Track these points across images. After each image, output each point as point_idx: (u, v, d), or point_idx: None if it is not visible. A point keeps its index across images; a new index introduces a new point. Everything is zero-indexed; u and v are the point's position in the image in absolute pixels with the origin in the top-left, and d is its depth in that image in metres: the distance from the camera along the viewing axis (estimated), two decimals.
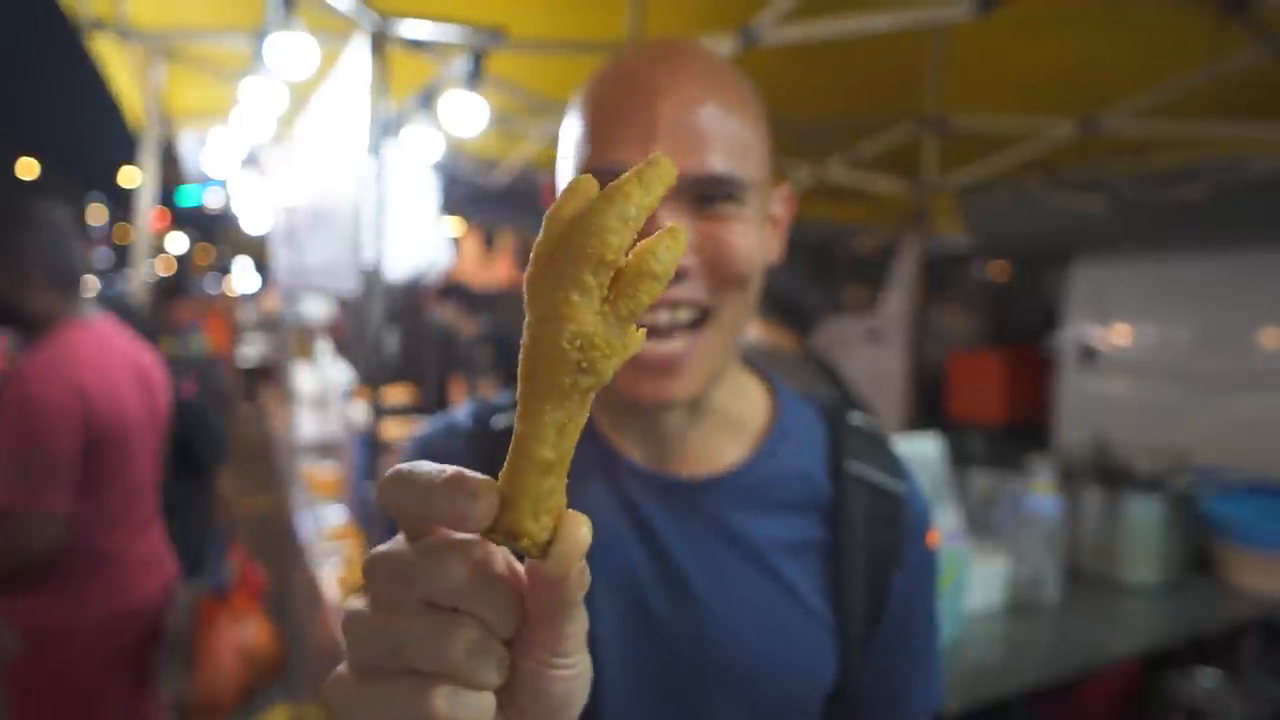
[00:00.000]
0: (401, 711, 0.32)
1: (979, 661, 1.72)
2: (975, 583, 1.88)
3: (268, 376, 7.67)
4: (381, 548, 0.34)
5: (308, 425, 3.85)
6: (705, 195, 0.62)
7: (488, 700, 0.33)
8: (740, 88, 0.66)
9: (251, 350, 9.89)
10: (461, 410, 0.78)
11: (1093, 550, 2.18)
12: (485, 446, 0.74)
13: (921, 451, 2.00)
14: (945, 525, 1.91)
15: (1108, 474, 2.26)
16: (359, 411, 3.09)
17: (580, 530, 0.33)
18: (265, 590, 2.69)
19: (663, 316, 0.62)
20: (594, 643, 0.67)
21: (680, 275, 0.60)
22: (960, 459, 2.55)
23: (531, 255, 0.32)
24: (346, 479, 2.79)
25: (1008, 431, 5.07)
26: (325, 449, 3.69)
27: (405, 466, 0.33)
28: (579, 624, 0.34)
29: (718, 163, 0.61)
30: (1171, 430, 3.73)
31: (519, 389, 0.32)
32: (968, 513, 2.15)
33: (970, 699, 1.56)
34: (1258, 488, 2.42)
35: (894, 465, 0.78)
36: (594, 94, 0.65)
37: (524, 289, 0.32)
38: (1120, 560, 2.14)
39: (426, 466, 0.33)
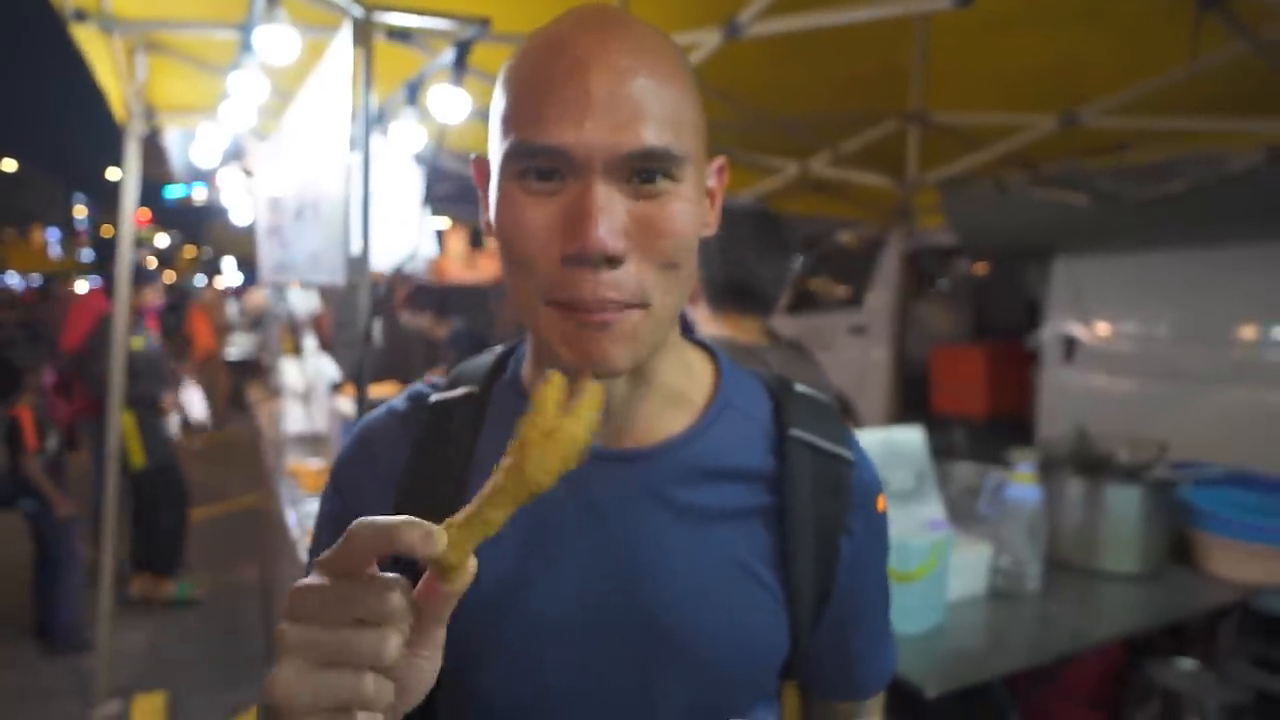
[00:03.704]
0: (340, 690, 0.45)
1: (961, 647, 1.74)
2: (957, 571, 1.90)
3: (254, 372, 7.64)
4: (309, 581, 0.47)
5: (294, 420, 3.84)
6: (641, 172, 0.59)
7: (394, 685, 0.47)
8: (673, 56, 0.62)
9: (238, 347, 9.84)
10: (403, 393, 0.79)
11: (1073, 539, 2.21)
12: (420, 418, 0.75)
13: (905, 442, 2.01)
14: (929, 515, 1.93)
15: (1088, 464, 2.29)
16: (345, 403, 3.09)
17: (474, 567, 0.48)
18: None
19: (603, 308, 0.59)
20: (539, 622, 0.67)
21: (615, 260, 0.58)
22: (943, 452, 2.57)
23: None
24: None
25: (990, 425, 5.11)
26: (311, 443, 3.68)
27: (367, 520, 0.45)
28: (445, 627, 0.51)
29: (654, 136, 0.58)
30: (1152, 424, 3.76)
31: (493, 484, 0.47)
32: (950, 503, 2.17)
33: (952, 684, 1.57)
34: (1235, 478, 2.46)
35: (840, 433, 0.77)
36: (520, 67, 0.62)
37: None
38: (1100, 549, 2.17)
39: (385, 518, 0.45)
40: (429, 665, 0.50)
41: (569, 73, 0.58)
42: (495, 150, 0.63)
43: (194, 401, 4.51)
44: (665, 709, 0.68)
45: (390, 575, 0.46)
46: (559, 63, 0.58)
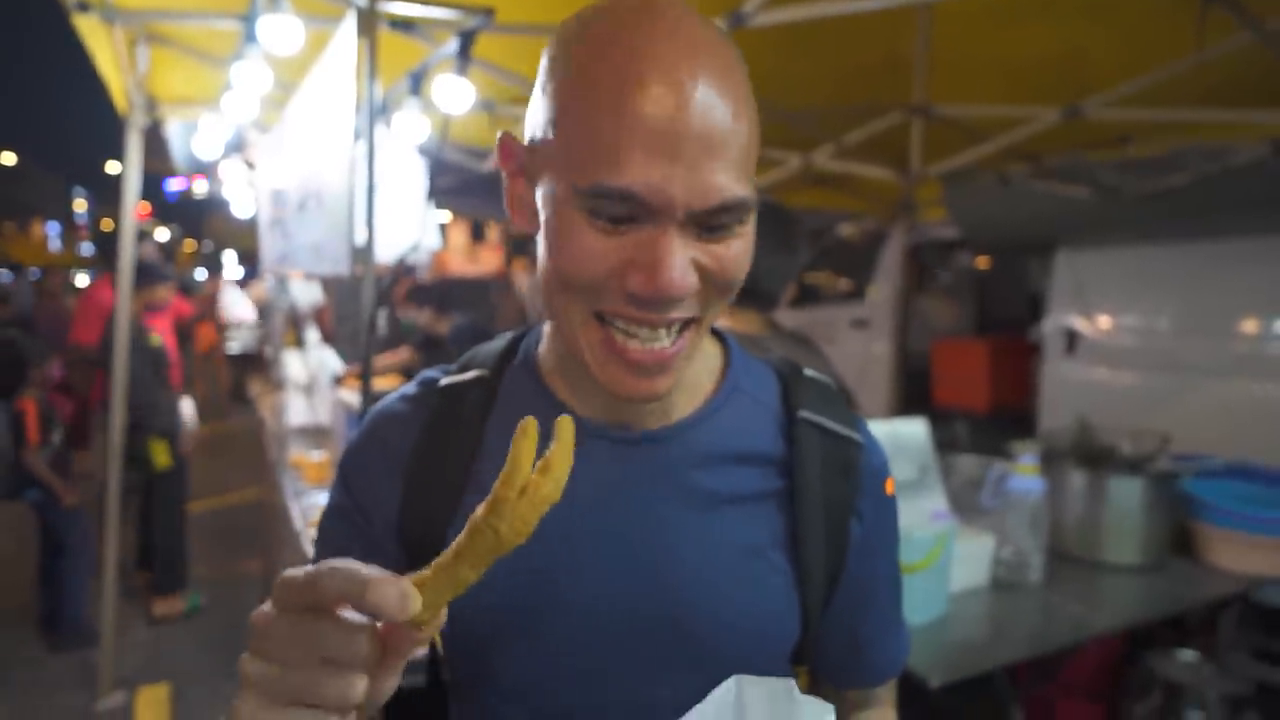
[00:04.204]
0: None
1: (964, 638, 1.75)
2: (960, 562, 1.90)
3: (256, 365, 7.64)
4: (272, 614, 0.44)
5: (297, 412, 3.85)
6: (717, 219, 0.58)
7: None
8: (739, 68, 0.60)
9: (239, 340, 9.84)
10: (414, 379, 0.79)
11: (1075, 531, 2.21)
12: (431, 402, 0.75)
13: (909, 434, 2.02)
14: (932, 506, 1.94)
15: (1090, 456, 2.29)
16: (348, 395, 3.09)
17: (444, 617, 0.47)
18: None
19: (663, 337, 0.60)
20: (552, 605, 0.67)
21: (681, 298, 0.58)
22: (946, 445, 2.57)
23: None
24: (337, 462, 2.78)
25: (993, 419, 5.11)
26: (314, 435, 3.69)
27: (339, 564, 0.43)
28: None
29: (734, 185, 0.56)
30: (1154, 416, 3.76)
31: (466, 540, 0.46)
32: (953, 495, 2.17)
33: (955, 674, 1.58)
34: (1236, 470, 2.46)
35: (848, 417, 0.77)
36: (589, 72, 0.56)
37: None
38: (1102, 541, 2.17)
39: (360, 566, 0.43)
40: (386, 689, 0.48)
41: (651, 103, 0.54)
42: (549, 159, 0.59)
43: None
44: (676, 694, 0.68)
45: (359, 619, 0.44)
46: (640, 91, 0.54)
